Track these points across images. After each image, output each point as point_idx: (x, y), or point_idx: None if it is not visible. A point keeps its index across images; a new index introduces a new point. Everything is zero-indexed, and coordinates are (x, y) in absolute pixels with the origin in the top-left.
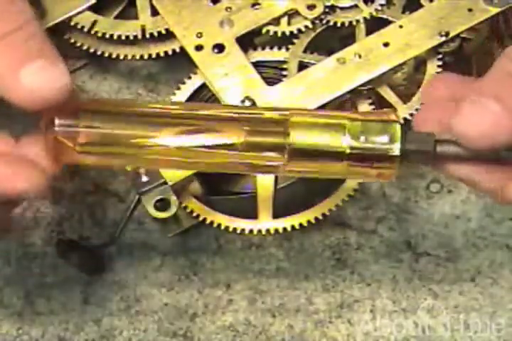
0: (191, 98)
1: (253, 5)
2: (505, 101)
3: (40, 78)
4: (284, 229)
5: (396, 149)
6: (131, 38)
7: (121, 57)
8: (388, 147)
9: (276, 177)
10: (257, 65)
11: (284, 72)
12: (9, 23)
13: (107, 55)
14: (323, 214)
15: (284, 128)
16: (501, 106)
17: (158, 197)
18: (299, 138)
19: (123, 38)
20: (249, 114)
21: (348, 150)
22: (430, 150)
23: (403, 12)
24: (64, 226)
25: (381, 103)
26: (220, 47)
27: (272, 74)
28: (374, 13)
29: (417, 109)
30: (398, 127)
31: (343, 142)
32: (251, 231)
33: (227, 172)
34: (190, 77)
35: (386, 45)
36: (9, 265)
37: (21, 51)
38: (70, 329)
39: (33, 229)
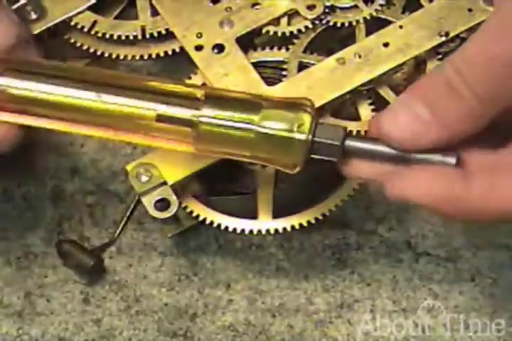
0: None
1: (253, 5)
2: (435, 108)
3: None
4: (284, 229)
5: (301, 138)
6: (131, 38)
7: (121, 57)
8: (294, 136)
9: (276, 177)
10: (257, 65)
11: (284, 72)
12: None
13: (107, 55)
14: (323, 214)
15: (196, 105)
16: (430, 113)
17: (158, 197)
18: (210, 115)
19: (123, 38)
20: (166, 87)
21: (253, 135)
22: (338, 144)
23: (403, 12)
24: (64, 226)
25: (381, 103)
26: (220, 47)
27: (271, 74)
28: (374, 14)
29: None
30: (308, 117)
31: (251, 126)
32: (251, 231)
33: (137, 142)
34: (190, 77)
35: (386, 45)
36: (9, 265)
37: None
38: (70, 329)
39: (33, 229)
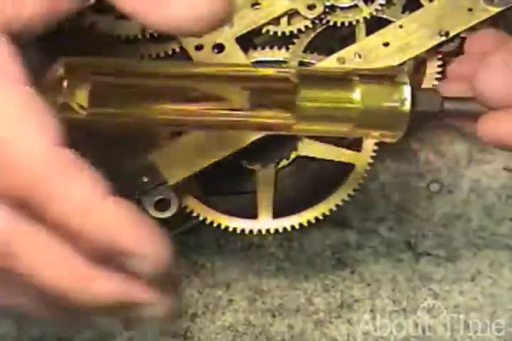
0: None
1: (253, 5)
2: None
3: None
4: (284, 229)
5: (404, 110)
6: (131, 38)
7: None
8: (396, 108)
9: (276, 177)
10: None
11: None
12: None
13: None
14: (323, 214)
15: (291, 87)
16: None
17: (158, 197)
18: (308, 95)
19: (123, 38)
20: (253, 72)
21: (354, 113)
22: (437, 109)
23: (403, 12)
24: None
25: None
26: (220, 47)
27: None
28: (374, 13)
29: None
30: (407, 88)
31: (352, 103)
32: (251, 231)
33: (234, 130)
34: None
35: (386, 45)
36: None
37: None
38: (70, 330)
39: None
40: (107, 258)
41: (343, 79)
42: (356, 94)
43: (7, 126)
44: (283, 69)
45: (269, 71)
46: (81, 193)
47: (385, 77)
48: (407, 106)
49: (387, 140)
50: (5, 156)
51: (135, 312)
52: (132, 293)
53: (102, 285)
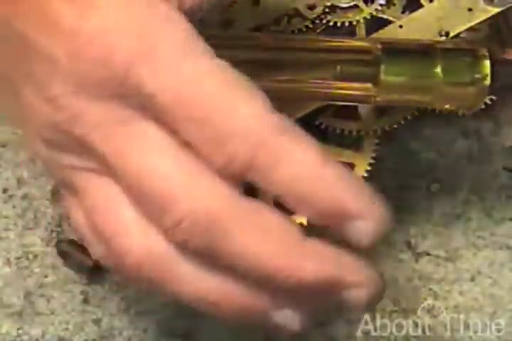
0: None
1: (253, 5)
2: None
3: None
4: None
5: (485, 84)
6: None
7: None
8: (477, 82)
9: None
10: None
11: None
12: None
13: None
14: None
15: (374, 58)
16: None
17: None
18: (391, 68)
19: None
20: (339, 44)
21: (437, 85)
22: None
23: (403, 12)
24: (64, 226)
25: None
26: None
27: None
28: (374, 13)
29: (417, 109)
30: (487, 63)
31: (434, 77)
32: None
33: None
34: None
35: None
36: (9, 265)
37: None
38: (70, 329)
39: (33, 229)
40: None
41: (425, 53)
42: (438, 68)
43: (224, 96)
44: (366, 42)
45: (354, 43)
46: (306, 157)
47: (466, 50)
48: (488, 81)
49: (462, 111)
50: (230, 123)
51: (338, 295)
52: (344, 272)
53: (315, 264)
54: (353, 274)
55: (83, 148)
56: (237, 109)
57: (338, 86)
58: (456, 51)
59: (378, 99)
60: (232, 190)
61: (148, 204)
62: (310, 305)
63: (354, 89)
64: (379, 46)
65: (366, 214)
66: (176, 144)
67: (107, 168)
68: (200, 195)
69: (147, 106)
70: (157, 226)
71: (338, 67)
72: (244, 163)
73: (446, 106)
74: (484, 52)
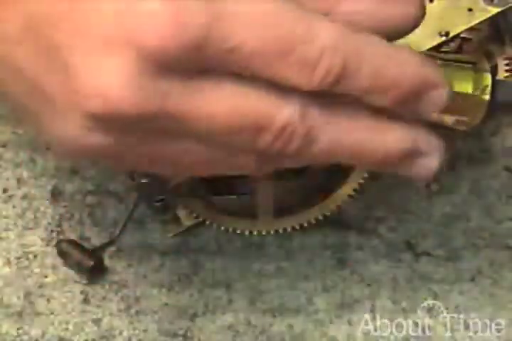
0: None
1: None
2: None
3: None
4: (284, 229)
5: (484, 98)
6: None
7: None
8: (477, 95)
9: (276, 177)
10: None
11: None
12: None
13: None
14: (323, 214)
15: None
16: None
17: (158, 198)
18: None
19: None
20: None
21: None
22: None
23: None
24: (64, 226)
25: None
26: None
27: None
28: None
29: None
30: (489, 77)
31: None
32: (251, 231)
33: None
34: None
35: None
36: (9, 265)
37: None
38: (70, 329)
39: (33, 229)
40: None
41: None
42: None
43: (297, 23)
44: None
45: None
46: (381, 49)
47: (468, 62)
48: (487, 95)
49: (460, 127)
50: (315, 46)
51: (414, 165)
52: (420, 141)
53: (396, 133)
54: (427, 140)
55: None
56: (309, 32)
57: None
58: (457, 61)
59: None
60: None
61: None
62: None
63: None
64: None
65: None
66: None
67: None
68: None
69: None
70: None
71: None
72: (337, 74)
73: (446, 121)
74: (485, 65)
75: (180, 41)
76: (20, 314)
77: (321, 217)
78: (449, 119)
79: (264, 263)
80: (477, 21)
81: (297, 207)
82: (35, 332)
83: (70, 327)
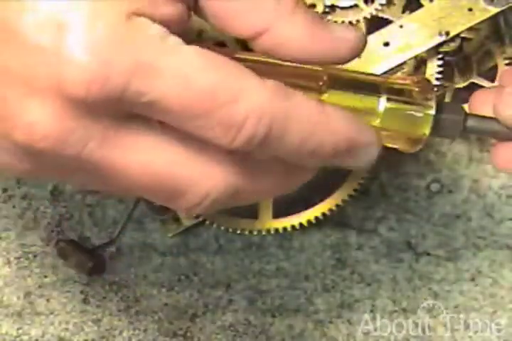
0: None
1: None
2: None
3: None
4: (284, 229)
5: (424, 134)
6: None
7: None
8: (422, 111)
9: None
10: None
11: None
12: None
13: None
14: (323, 214)
15: (318, 84)
16: None
17: None
18: (334, 96)
19: None
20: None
21: (381, 112)
22: (460, 123)
23: (403, 12)
24: (64, 226)
25: None
26: (221, 47)
27: None
28: (374, 13)
29: None
30: (431, 115)
31: (374, 115)
32: (251, 231)
33: None
34: None
35: (386, 45)
36: (9, 265)
37: None
38: (70, 329)
39: (33, 229)
40: None
41: (370, 90)
42: (380, 106)
43: (219, 84)
44: (315, 68)
45: (302, 68)
46: (308, 112)
47: (412, 94)
48: (427, 131)
49: (406, 149)
50: (237, 109)
51: (353, 156)
52: (361, 133)
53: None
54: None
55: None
56: (236, 92)
57: None
58: (402, 93)
59: None
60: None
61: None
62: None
63: None
64: (325, 75)
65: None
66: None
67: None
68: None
69: (144, 113)
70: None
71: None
72: (261, 139)
73: (391, 143)
74: (430, 99)
75: (101, 91)
76: (20, 314)
77: (321, 217)
78: (389, 144)
79: (264, 263)
80: (477, 21)
81: (297, 207)
82: (35, 332)
83: (70, 327)
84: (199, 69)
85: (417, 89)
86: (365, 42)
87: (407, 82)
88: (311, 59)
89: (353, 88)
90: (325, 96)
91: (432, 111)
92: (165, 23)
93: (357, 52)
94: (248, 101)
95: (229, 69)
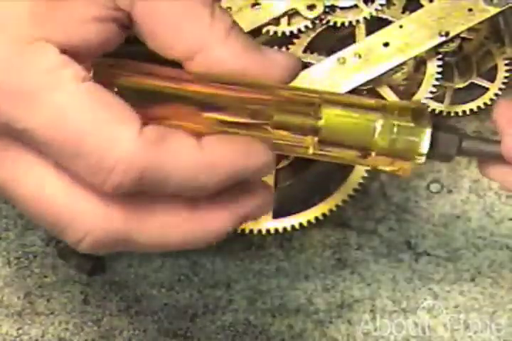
0: None
1: (253, 5)
2: None
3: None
4: (284, 229)
5: (423, 151)
6: (131, 38)
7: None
8: (416, 148)
9: (276, 177)
10: None
11: None
12: None
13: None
14: (323, 214)
15: (314, 112)
16: None
17: None
18: (330, 124)
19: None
20: (278, 93)
21: (375, 148)
22: (452, 154)
23: (403, 12)
24: None
25: None
26: None
27: None
28: (374, 13)
29: None
30: (428, 134)
31: (374, 138)
32: (251, 231)
33: None
34: None
35: (386, 45)
36: (9, 265)
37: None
38: (70, 329)
39: (33, 229)
40: None
41: (365, 112)
42: (376, 128)
43: (95, 127)
44: (307, 93)
45: (294, 93)
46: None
47: (408, 114)
48: (424, 151)
49: (399, 174)
50: (107, 155)
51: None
52: (250, 161)
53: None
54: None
55: None
56: (108, 139)
57: (276, 135)
58: (397, 114)
59: (314, 151)
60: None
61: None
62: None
63: (291, 139)
64: (319, 99)
65: None
66: None
67: None
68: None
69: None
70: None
71: (276, 116)
72: (133, 185)
73: (380, 169)
74: (426, 120)
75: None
76: (20, 314)
77: (321, 217)
78: (384, 168)
79: (264, 263)
80: (477, 21)
81: (297, 207)
82: (35, 332)
83: (70, 327)
84: (79, 110)
85: (411, 111)
86: (299, 65)
87: (403, 104)
88: (243, 79)
89: (348, 111)
90: (321, 122)
91: (429, 129)
92: (79, 48)
93: (290, 74)
94: (118, 150)
95: (110, 113)
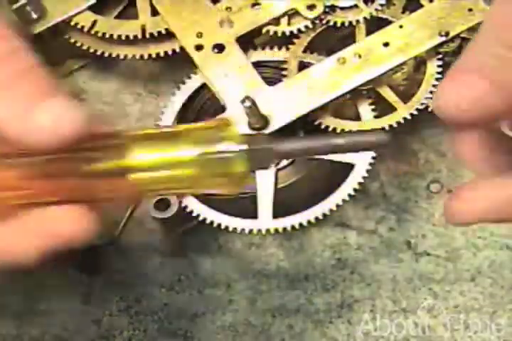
0: (191, 98)
1: (253, 5)
2: (492, 77)
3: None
4: (284, 229)
5: (242, 148)
6: (131, 38)
7: (122, 57)
8: (233, 148)
9: (276, 177)
10: (257, 65)
11: (284, 72)
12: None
13: (107, 55)
14: (323, 214)
15: (122, 152)
16: (487, 83)
17: (158, 197)
18: (141, 157)
19: (123, 38)
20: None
21: (194, 159)
22: (270, 166)
23: (403, 12)
24: None
25: (381, 103)
26: (220, 47)
27: (272, 74)
28: (374, 13)
29: (417, 109)
30: (242, 152)
31: (190, 153)
32: (251, 231)
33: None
34: (190, 77)
35: (386, 45)
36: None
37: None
38: (70, 330)
39: None
40: None
41: (174, 140)
42: (189, 158)
43: None
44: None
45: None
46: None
47: (217, 136)
48: (244, 168)
49: (229, 192)
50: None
51: None
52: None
53: None
54: None
55: None
56: None
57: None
58: (201, 131)
59: (133, 192)
60: None
61: None
62: None
63: (104, 184)
64: (126, 136)
65: None
66: None
67: None
68: None
69: None
70: None
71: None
72: None
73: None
74: (228, 126)
75: None
76: (20, 314)
77: (321, 217)
78: (210, 190)
79: (264, 263)
80: (477, 21)
81: (297, 207)
82: (35, 332)
83: (70, 327)
84: None
85: (219, 130)
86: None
87: (206, 125)
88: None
89: (158, 143)
90: (131, 157)
91: (244, 147)
92: None
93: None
94: None
95: None
